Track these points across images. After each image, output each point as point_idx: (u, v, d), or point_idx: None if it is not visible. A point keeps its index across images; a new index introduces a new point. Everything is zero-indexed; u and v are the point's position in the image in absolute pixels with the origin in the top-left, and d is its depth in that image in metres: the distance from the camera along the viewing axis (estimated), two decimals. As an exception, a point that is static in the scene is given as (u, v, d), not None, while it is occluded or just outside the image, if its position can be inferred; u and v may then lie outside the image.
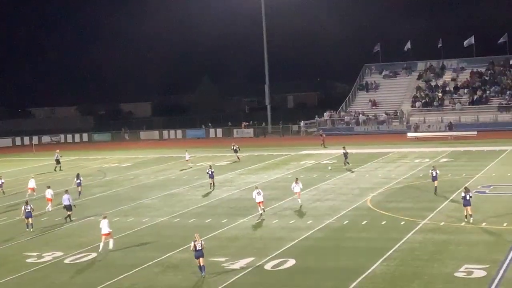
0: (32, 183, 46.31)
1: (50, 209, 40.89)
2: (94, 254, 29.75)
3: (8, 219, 39.34)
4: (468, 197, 31.86)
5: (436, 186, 40.32)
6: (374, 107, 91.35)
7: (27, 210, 35.44)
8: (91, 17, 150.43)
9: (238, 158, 61.59)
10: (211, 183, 46.43)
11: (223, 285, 24.58)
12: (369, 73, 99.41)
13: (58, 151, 64.99)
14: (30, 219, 35.43)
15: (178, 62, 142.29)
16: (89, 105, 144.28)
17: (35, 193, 45.63)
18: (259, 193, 36.07)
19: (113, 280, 25.81)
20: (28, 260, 29.36)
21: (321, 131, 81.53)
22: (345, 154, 54.32)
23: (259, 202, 36.10)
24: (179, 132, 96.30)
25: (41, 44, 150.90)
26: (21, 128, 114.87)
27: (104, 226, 30.23)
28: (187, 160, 60.26)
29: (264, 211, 36.36)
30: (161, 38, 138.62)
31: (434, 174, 40.36)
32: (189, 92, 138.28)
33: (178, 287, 24.92)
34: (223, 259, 27.72)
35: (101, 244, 30.21)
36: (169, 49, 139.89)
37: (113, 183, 52.31)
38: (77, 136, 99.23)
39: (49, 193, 40.94)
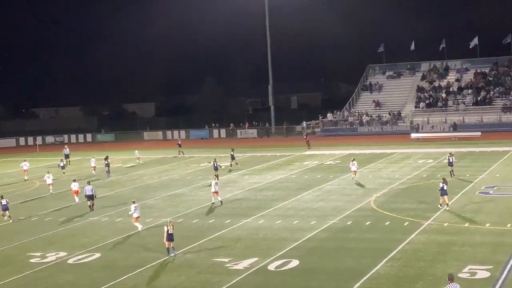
0: (49, 180, 48.12)
1: (77, 201, 42.96)
2: (98, 255, 29.77)
3: (10, 219, 39.34)
4: (445, 187, 35.16)
5: (452, 170, 45.18)
6: (377, 108, 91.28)
7: (3, 204, 38.47)
8: (95, 17, 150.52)
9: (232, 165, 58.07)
10: (216, 175, 47.03)
11: (227, 286, 24.57)
12: (373, 73, 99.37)
13: (66, 146, 69.80)
14: (6, 212, 38.47)
15: (182, 62, 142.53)
16: (93, 105, 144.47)
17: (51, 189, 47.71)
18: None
19: (117, 281, 25.82)
20: (31, 260, 29.39)
21: (305, 132, 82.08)
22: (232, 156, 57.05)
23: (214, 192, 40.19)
24: (182, 132, 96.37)
25: (46, 45, 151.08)
26: (25, 129, 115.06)
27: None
28: (138, 158, 64.36)
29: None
30: (164, 38, 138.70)
31: (451, 161, 45.29)
32: (193, 93, 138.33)
33: (182, 288, 24.93)
34: (226, 260, 27.72)
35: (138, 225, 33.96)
36: (173, 50, 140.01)
37: (117, 183, 52.36)
38: (80, 137, 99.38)
39: (75, 185, 43.15)
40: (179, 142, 72.43)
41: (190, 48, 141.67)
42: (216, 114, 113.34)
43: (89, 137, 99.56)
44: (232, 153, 58.32)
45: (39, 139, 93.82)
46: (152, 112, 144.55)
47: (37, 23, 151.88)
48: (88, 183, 41.83)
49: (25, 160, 59.00)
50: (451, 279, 19.78)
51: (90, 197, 40.46)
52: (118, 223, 36.69)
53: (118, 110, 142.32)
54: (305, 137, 76.59)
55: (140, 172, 58.08)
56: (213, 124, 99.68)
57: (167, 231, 28.47)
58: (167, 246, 28.70)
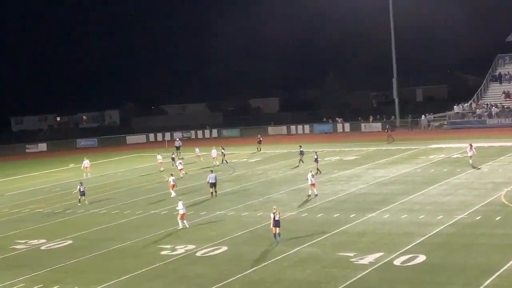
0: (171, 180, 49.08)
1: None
2: (225, 248, 30.38)
3: (143, 212, 40.79)
4: None
5: None
6: (508, 99, 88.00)
7: (81, 190, 44.99)
8: (220, 16, 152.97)
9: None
10: (317, 168, 50.33)
11: (352, 280, 24.49)
12: (503, 63, 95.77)
13: (177, 139, 76.83)
14: (83, 197, 45.06)
15: (304, 57, 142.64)
16: (218, 101, 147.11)
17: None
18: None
19: (243, 274, 26.26)
20: (162, 253, 30.38)
21: (387, 125, 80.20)
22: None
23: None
24: (306, 127, 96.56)
25: (173, 44, 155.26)
26: (155, 125, 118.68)
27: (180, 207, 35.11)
28: (198, 156, 65.18)
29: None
30: (288, 34, 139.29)
31: None
32: (315, 87, 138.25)
33: (306, 282, 25.01)
34: (351, 254, 27.62)
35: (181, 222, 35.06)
36: (296, 44, 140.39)
37: (242, 178, 53.14)
38: (206, 132, 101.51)
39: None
40: (260, 139, 73.29)
41: (312, 43, 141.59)
42: (338, 108, 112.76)
43: (214, 132, 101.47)
44: (301, 149, 58.50)
45: (167, 135, 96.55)
46: (276, 107, 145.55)
47: (163, 24, 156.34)
48: (211, 171, 45.65)
49: (159, 154, 62.41)
50: None
51: (213, 185, 43.87)
52: (244, 217, 37.28)
53: (242, 106, 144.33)
54: (386, 131, 75.63)
55: (265, 167, 58.68)
56: (337, 119, 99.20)
57: (274, 217, 30.09)
58: (273, 232, 30.20)
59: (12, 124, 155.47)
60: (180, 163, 56.18)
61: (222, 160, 61.78)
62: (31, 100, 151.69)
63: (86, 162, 60.99)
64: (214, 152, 61.88)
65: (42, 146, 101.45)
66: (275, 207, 31.14)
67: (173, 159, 61.55)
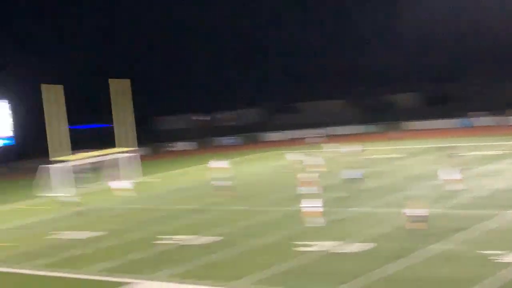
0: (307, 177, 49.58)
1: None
2: (365, 244, 30.53)
3: (283, 209, 41.61)
4: None
5: None
6: None
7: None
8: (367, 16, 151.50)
9: None
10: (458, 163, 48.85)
11: (491, 278, 23.91)
12: None
13: (313, 136, 78.95)
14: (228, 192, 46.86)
15: (453, 52, 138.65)
16: (357, 97, 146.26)
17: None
18: None
19: (383, 270, 26.32)
20: (302, 249, 30.82)
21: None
22: None
23: None
24: (447, 121, 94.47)
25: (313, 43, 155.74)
26: (293, 122, 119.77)
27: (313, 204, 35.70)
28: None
29: None
30: (438, 26, 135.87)
31: None
32: (454, 81, 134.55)
33: (446, 279, 24.68)
34: (491, 252, 26.93)
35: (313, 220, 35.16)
36: (449, 39, 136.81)
37: (384, 173, 52.91)
38: (345, 129, 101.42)
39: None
40: (395, 135, 71.82)
41: (468, 37, 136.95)
42: (481, 102, 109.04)
43: (353, 128, 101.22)
44: (449, 144, 59.53)
45: (306, 132, 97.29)
46: (417, 102, 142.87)
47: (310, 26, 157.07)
48: (352, 167, 47.43)
49: (291, 152, 64.36)
50: None
51: (354, 180, 45.19)
52: (385, 213, 37.22)
53: (381, 101, 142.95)
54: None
55: (406, 162, 58.13)
56: (479, 113, 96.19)
57: (413, 213, 30.75)
58: (414, 228, 30.56)
59: (156, 124, 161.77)
60: (310, 160, 56.95)
61: (359, 157, 62.20)
62: (174, 100, 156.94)
63: (215, 163, 62.98)
64: (344, 149, 62.91)
65: (185, 145, 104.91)
66: (415, 202, 31.51)
67: (302, 156, 61.78)
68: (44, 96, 66.46)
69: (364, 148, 62.66)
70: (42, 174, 62.76)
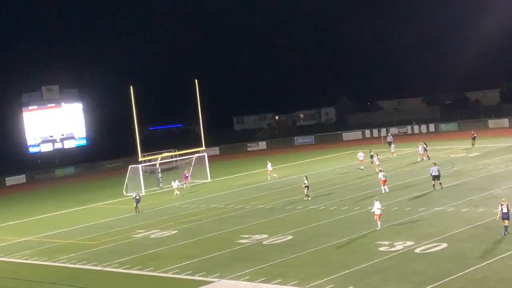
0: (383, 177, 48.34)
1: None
2: (444, 245, 29.83)
3: (360, 208, 41.12)
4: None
5: None
6: None
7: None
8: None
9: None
10: None
11: None
12: None
13: (389, 134, 77.98)
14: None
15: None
16: (435, 95, 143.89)
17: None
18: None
19: (465, 271, 25.64)
20: (380, 249, 30.46)
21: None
22: None
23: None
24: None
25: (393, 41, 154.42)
26: (371, 121, 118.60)
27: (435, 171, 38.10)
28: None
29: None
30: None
31: None
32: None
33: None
34: None
35: (378, 223, 34.55)
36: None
37: (461, 173, 51.72)
38: (423, 127, 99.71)
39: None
40: (475, 135, 70.05)
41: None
42: None
43: (431, 127, 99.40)
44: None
45: (383, 131, 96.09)
46: (497, 99, 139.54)
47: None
48: (434, 164, 45.85)
49: (360, 151, 63.71)
50: None
51: (436, 177, 44.20)
52: (465, 213, 36.36)
53: (460, 99, 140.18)
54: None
55: (485, 161, 56.65)
56: None
57: (501, 210, 30.11)
58: (504, 224, 30.04)
59: (234, 124, 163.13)
60: (379, 158, 57.56)
61: (425, 156, 61.12)
62: (252, 100, 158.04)
63: (269, 166, 62.43)
64: (420, 148, 61.98)
65: (262, 144, 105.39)
66: (503, 199, 30.99)
67: (372, 156, 60.88)
68: (131, 97, 64.11)
69: (446, 147, 61.47)
70: (133, 173, 63.76)
